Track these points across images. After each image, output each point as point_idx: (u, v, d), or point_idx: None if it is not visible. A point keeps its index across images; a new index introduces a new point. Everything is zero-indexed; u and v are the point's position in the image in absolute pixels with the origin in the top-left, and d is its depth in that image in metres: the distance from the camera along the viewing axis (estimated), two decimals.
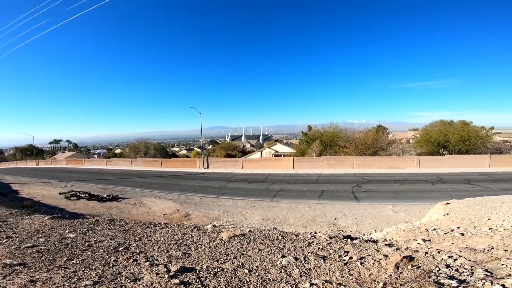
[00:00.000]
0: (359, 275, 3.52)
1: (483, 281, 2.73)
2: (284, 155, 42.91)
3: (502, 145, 33.63)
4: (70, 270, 3.69)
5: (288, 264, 4.00)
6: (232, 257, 4.35)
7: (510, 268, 3.04)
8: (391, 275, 3.35)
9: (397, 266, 3.49)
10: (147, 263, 4.00)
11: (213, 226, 7.33)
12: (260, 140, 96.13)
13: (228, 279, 3.51)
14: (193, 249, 4.80)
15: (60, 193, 16.01)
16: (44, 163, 51.95)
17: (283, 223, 10.20)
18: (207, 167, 30.60)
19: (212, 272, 3.71)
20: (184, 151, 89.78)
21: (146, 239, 5.33)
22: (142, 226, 6.52)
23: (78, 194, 15.42)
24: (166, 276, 3.52)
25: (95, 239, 5.21)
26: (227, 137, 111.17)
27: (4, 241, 4.86)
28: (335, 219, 10.52)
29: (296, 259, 4.21)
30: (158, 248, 4.81)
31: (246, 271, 3.78)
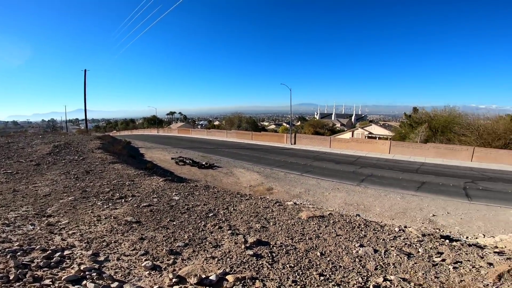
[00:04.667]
0: (447, 280, 3.11)
1: None
2: (380, 138, 38.88)
3: None
4: (170, 231, 4.55)
5: (364, 255, 3.86)
6: (307, 238, 4.47)
7: None
8: (487, 285, 2.84)
9: (499, 277, 2.93)
10: (229, 232, 4.54)
11: (294, 203, 7.58)
12: (353, 120, 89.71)
13: (298, 259, 3.66)
14: (271, 223, 5.14)
15: (172, 158, 19.36)
16: (162, 131, 63.11)
17: (368, 211, 9.59)
18: (294, 143, 30.93)
19: (284, 249, 3.93)
20: (273, 126, 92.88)
21: (232, 208, 6.01)
22: (230, 195, 7.35)
23: (184, 160, 18.28)
24: (243, 246, 3.94)
25: (192, 203, 6.21)
26: (316, 115, 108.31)
27: (130, 199, 6.35)
28: (433, 215, 9.17)
29: (375, 251, 4.01)
30: (241, 218, 5.36)
31: (318, 254, 3.85)
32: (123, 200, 6.19)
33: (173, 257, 3.62)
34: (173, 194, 6.94)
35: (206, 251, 3.84)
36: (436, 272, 3.34)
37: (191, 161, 17.87)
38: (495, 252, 4.22)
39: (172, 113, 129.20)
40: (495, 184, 13.68)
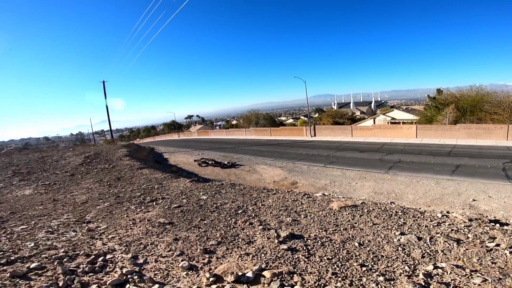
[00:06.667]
0: (506, 265, 2.84)
1: None
2: (404, 123, 37.33)
3: None
4: (202, 230, 4.54)
5: (407, 243, 3.64)
6: (341, 228, 4.30)
7: None
8: None
9: None
10: (260, 227, 4.46)
11: (323, 194, 7.39)
12: (372, 107, 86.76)
13: (336, 251, 3.50)
14: (302, 216, 5.01)
15: (194, 160, 19.65)
16: (183, 135, 64.48)
17: (400, 199, 9.16)
18: (314, 135, 30.38)
19: (319, 242, 3.79)
20: (290, 120, 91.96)
21: (260, 204, 5.94)
22: (257, 191, 7.29)
23: (207, 161, 18.47)
24: (276, 241, 3.84)
25: (220, 201, 6.21)
26: (334, 105, 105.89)
27: (160, 201, 6.47)
28: (474, 200, 8.59)
29: (419, 238, 3.77)
30: (271, 213, 5.27)
31: (356, 244, 3.68)
32: (154, 203, 6.32)
33: (207, 256, 3.60)
34: (201, 194, 6.98)
35: (239, 248, 3.79)
36: (492, 257, 3.06)
37: (213, 162, 18.03)
38: None
39: (190, 116, 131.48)
40: None
